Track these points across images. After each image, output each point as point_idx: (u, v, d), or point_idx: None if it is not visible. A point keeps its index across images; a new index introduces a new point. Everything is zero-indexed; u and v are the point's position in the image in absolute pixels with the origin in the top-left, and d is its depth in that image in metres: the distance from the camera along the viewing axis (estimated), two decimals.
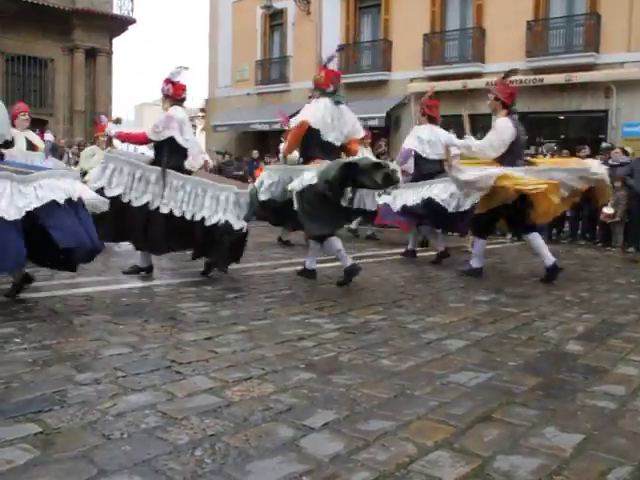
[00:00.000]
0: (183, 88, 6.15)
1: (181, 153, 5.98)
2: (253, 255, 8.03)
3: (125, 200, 5.74)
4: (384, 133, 18.79)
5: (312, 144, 5.91)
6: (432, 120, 8.09)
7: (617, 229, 11.32)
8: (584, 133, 17.79)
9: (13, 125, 6.99)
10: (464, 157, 7.28)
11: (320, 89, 6.06)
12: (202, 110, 29.52)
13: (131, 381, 2.89)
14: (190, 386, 2.84)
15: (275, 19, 24.41)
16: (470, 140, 6.83)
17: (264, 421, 2.45)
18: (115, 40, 25.12)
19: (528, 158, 7.52)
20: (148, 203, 5.76)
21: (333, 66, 6.21)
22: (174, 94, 6.03)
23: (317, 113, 5.92)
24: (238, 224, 5.81)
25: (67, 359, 3.23)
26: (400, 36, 20.39)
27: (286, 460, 2.12)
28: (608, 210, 11.02)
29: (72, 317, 4.22)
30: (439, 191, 7.55)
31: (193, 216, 5.79)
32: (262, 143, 21.86)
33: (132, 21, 24.69)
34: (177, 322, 4.17)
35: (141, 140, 6.14)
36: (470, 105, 19.06)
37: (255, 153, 18.85)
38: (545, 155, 14.61)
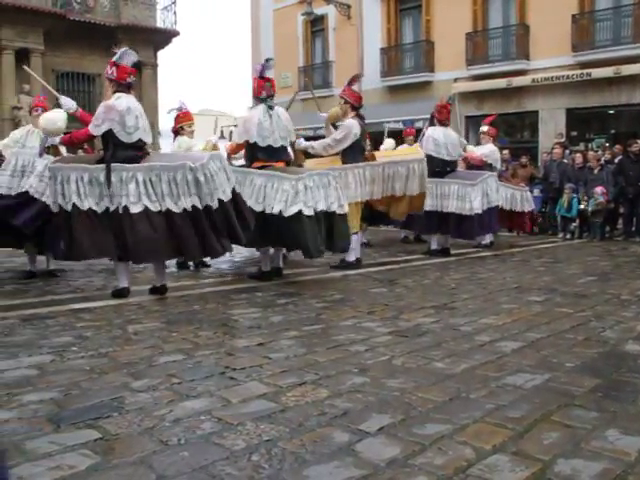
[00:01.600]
0: (128, 71, 5.46)
1: (131, 145, 5.32)
2: (303, 260, 8.06)
3: (85, 207, 5.19)
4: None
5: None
6: (442, 123, 8.87)
7: None
8: (635, 127, 17.31)
9: None
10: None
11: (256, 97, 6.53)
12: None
13: (186, 387, 2.93)
14: (244, 392, 2.86)
15: (316, 25, 24.48)
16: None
17: (319, 426, 2.45)
18: (160, 53, 25.55)
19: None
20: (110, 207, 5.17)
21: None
22: (118, 77, 5.38)
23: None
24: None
25: (123, 367, 3.29)
26: (442, 36, 20.22)
27: (342, 465, 2.12)
28: None
29: (126, 325, 4.30)
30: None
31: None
32: None
33: (176, 33, 25.06)
34: (229, 328, 4.21)
35: (85, 137, 5.56)
36: (516, 103, 18.86)
37: (302, 159, 18.92)
38: (596, 151, 14.32)
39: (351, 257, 7.19)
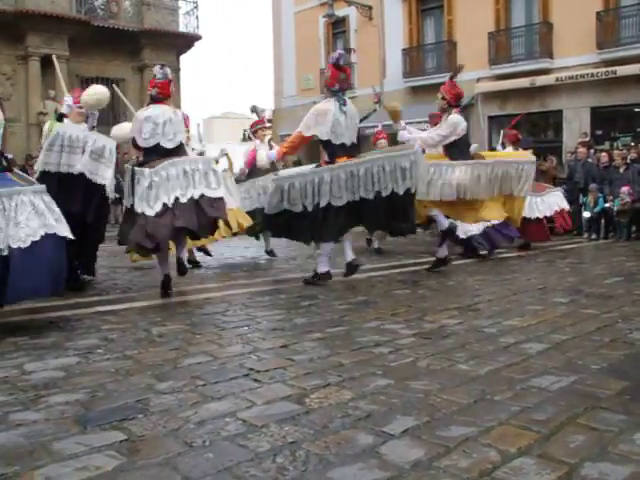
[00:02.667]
0: (152, 84, 5.69)
1: (153, 151, 5.49)
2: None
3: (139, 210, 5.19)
4: None
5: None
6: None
7: None
8: None
9: None
10: None
11: (327, 88, 6.18)
12: (269, 121, 29.88)
13: (211, 389, 2.94)
14: (269, 394, 2.87)
15: (337, 27, 24.50)
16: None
17: (343, 428, 2.45)
18: (182, 57, 25.75)
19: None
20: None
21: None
22: (148, 90, 5.81)
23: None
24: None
25: (148, 369, 3.31)
26: (464, 36, 20.12)
27: (367, 467, 2.11)
28: None
29: (151, 328, 4.34)
30: None
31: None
32: None
33: (198, 37, 25.24)
34: (253, 330, 4.22)
35: (133, 145, 5.80)
36: (540, 102, 18.69)
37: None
38: (621, 149, 14.14)
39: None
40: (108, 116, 23.64)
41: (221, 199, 5.41)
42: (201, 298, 5.54)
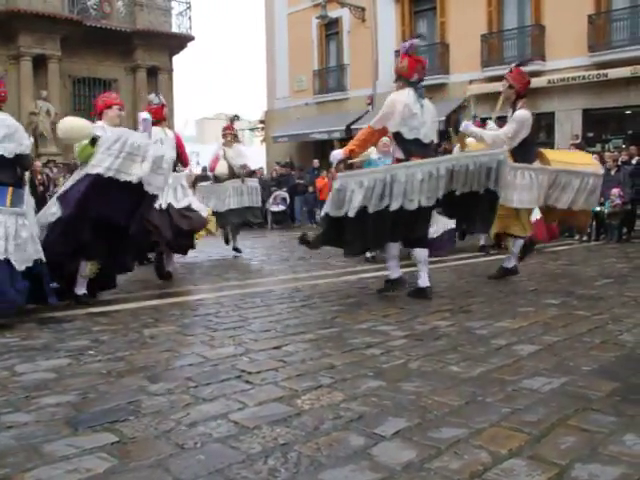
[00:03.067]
0: (148, 109, 6.65)
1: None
2: (318, 264, 8.08)
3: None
4: (444, 137, 18.61)
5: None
6: None
7: None
8: None
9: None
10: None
11: (404, 78, 5.55)
12: (261, 122, 29.89)
13: (202, 391, 2.94)
14: (260, 395, 2.87)
15: (330, 28, 24.51)
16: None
17: (335, 430, 2.45)
18: (175, 57, 25.72)
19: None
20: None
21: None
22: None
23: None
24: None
25: (140, 370, 3.31)
26: (457, 38, 20.17)
27: (358, 469, 2.11)
28: None
29: (142, 329, 4.33)
30: None
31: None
32: (322, 152, 21.98)
33: (191, 38, 25.22)
34: (245, 332, 4.22)
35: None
36: (532, 104, 18.73)
37: (316, 162, 19.05)
38: (612, 152, 14.22)
39: (510, 263, 6.58)
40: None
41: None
42: (193, 299, 5.54)
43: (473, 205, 5.43)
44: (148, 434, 2.42)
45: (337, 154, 5.64)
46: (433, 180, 5.19)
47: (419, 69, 5.51)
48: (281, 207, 17.62)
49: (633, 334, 4.07)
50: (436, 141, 5.78)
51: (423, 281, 5.52)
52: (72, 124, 5.20)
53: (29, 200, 5.06)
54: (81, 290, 5.31)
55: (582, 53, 17.28)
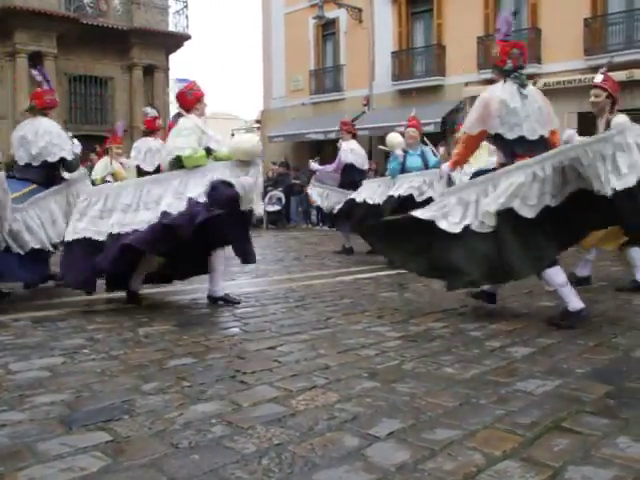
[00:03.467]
0: (144, 122, 8.08)
1: (138, 172, 7.92)
2: (313, 264, 8.08)
3: None
4: (440, 138, 18.64)
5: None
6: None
7: None
8: None
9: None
10: None
11: (498, 68, 4.74)
12: (257, 122, 29.89)
13: (197, 391, 2.94)
14: (255, 395, 2.87)
15: (327, 29, 24.54)
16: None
17: (329, 430, 2.45)
18: (171, 56, 25.70)
19: None
20: None
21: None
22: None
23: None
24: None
25: (134, 369, 3.31)
26: (454, 40, 20.22)
27: (352, 469, 2.12)
28: None
29: (137, 328, 4.32)
30: None
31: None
32: (318, 153, 21.99)
33: (187, 37, 25.21)
34: (239, 332, 4.22)
35: None
36: None
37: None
38: None
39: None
40: (97, 115, 23.61)
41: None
42: (187, 299, 5.53)
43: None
44: (142, 433, 2.42)
45: (445, 169, 5.17)
46: (538, 183, 4.31)
47: (514, 55, 4.66)
48: (276, 207, 17.63)
49: (627, 337, 4.08)
50: (555, 127, 4.89)
51: None
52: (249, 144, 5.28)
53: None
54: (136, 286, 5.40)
55: (578, 56, 17.34)
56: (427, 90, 20.67)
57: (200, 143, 5.15)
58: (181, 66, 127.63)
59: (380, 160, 18.07)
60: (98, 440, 2.35)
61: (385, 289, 6.07)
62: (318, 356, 3.57)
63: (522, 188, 4.32)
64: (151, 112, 8.34)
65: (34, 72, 6.34)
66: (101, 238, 4.96)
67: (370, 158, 20.54)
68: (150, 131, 8.02)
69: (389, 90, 21.96)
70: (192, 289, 5.98)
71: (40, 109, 5.90)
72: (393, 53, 21.96)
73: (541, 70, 18.32)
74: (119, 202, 5.04)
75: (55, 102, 6.05)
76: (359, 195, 8.55)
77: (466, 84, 19.65)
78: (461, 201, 4.63)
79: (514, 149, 4.58)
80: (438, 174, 6.16)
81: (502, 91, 4.58)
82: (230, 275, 7.16)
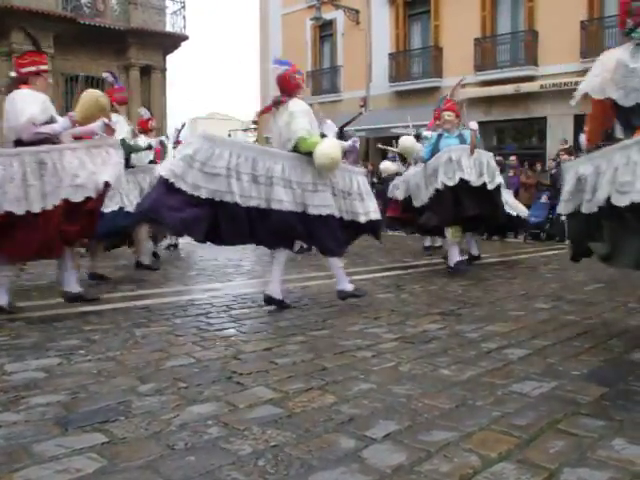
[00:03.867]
0: (138, 122, 8.40)
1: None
2: (309, 265, 8.08)
3: None
4: None
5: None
6: None
7: None
8: None
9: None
10: None
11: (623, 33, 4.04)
12: (254, 122, 29.85)
13: (193, 392, 2.94)
14: (251, 397, 2.87)
15: (325, 30, 24.57)
16: None
17: (326, 432, 2.45)
18: (169, 57, 25.66)
19: None
20: None
21: None
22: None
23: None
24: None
25: (130, 370, 3.30)
26: (451, 42, 20.26)
27: (349, 471, 2.12)
28: None
29: (133, 329, 4.32)
30: None
31: None
32: None
33: (184, 38, 25.16)
34: (236, 333, 4.21)
35: None
36: (524, 109, 18.84)
37: None
38: None
39: None
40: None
41: None
42: (184, 300, 5.52)
43: None
44: (138, 435, 2.42)
45: (581, 140, 4.66)
46: None
47: (633, 9, 3.90)
48: None
49: (622, 339, 4.09)
50: None
51: None
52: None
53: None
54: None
55: (574, 59, 17.36)
56: (424, 92, 20.68)
57: (312, 127, 5.00)
58: (178, 67, 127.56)
59: (376, 161, 18.06)
60: (94, 441, 2.35)
61: (382, 290, 6.07)
62: (315, 357, 3.57)
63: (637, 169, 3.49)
64: (145, 113, 8.75)
65: (104, 74, 7.52)
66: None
67: (367, 159, 20.76)
68: (143, 131, 8.33)
69: (386, 91, 21.98)
70: (187, 290, 5.97)
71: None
72: (390, 55, 21.98)
73: (538, 72, 18.37)
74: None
75: (124, 99, 7.29)
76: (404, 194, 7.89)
77: (463, 86, 19.64)
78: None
79: (631, 120, 3.86)
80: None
81: (621, 52, 3.90)
82: (226, 276, 7.16)
